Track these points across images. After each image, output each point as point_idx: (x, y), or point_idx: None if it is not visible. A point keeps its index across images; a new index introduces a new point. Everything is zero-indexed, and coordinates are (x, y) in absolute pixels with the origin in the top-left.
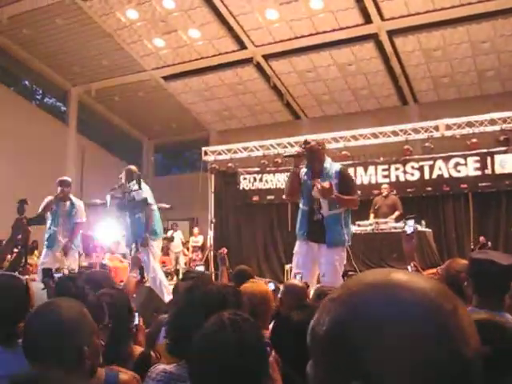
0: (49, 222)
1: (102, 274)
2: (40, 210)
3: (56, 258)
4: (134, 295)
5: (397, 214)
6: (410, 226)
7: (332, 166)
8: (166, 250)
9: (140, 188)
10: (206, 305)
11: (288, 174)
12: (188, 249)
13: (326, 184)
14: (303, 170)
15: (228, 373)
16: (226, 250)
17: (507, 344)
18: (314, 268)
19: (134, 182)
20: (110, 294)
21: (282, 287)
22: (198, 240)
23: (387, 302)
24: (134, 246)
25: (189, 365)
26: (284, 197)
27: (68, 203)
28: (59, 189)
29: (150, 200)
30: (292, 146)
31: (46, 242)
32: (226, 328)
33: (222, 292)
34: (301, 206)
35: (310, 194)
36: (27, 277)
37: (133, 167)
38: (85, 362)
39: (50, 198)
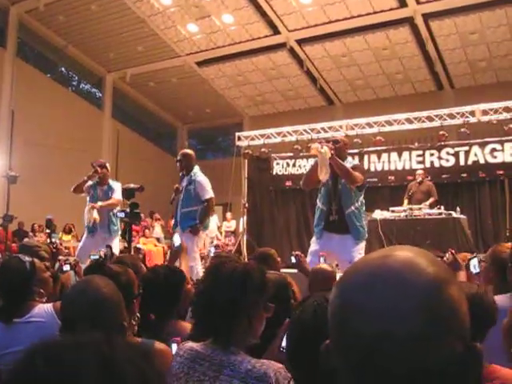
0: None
1: (130, 258)
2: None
3: (97, 243)
4: None
5: (431, 200)
6: (474, 266)
7: (350, 163)
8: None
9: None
10: (231, 282)
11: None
12: (221, 233)
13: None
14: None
15: None
16: (301, 254)
17: None
18: (330, 257)
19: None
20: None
21: (310, 272)
22: (230, 225)
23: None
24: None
25: None
26: (301, 185)
27: (105, 187)
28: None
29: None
30: (325, 131)
31: (85, 226)
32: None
33: (247, 270)
34: (319, 205)
35: (330, 193)
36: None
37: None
38: (125, 337)
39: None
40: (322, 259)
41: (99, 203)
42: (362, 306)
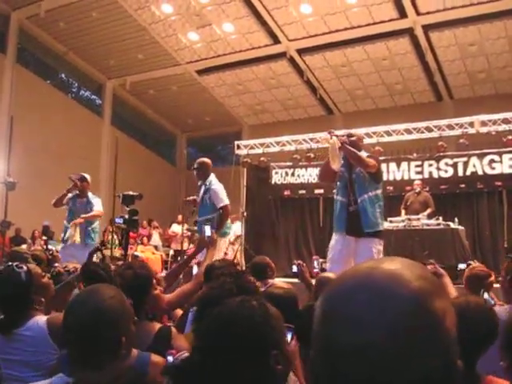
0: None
1: (140, 263)
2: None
3: (71, 254)
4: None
5: (429, 211)
6: None
7: (365, 153)
8: None
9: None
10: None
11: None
12: None
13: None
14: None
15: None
16: (302, 263)
17: None
18: (348, 264)
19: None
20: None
21: (316, 280)
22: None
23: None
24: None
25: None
26: (318, 178)
27: (84, 200)
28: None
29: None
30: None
31: (62, 236)
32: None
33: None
34: (338, 197)
35: (347, 185)
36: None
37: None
38: (120, 352)
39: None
40: (315, 263)
41: (82, 216)
42: (346, 315)
